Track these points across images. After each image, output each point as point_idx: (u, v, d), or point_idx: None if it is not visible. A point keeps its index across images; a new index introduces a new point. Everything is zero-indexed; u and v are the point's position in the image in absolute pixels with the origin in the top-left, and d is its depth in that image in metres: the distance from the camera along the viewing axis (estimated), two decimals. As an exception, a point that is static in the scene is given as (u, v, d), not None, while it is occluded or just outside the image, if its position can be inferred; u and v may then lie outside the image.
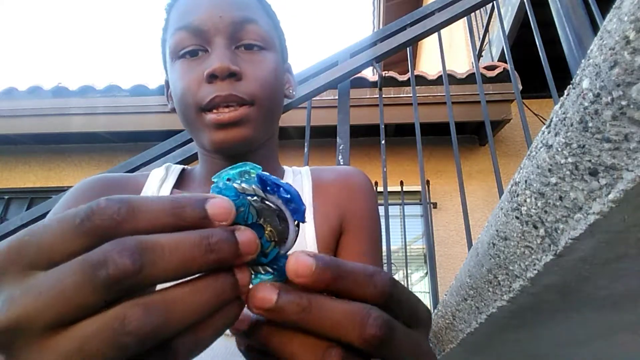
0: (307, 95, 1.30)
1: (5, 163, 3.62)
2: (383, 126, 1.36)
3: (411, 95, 1.49)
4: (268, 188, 0.21)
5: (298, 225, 0.22)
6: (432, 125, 2.88)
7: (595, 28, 1.14)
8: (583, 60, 0.22)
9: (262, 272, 0.22)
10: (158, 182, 0.56)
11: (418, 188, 2.98)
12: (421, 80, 3.01)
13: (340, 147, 1.22)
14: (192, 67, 0.50)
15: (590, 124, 0.21)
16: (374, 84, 3.00)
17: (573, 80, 0.23)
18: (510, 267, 0.33)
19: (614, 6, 0.20)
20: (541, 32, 1.25)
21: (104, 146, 3.52)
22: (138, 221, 0.17)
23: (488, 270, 0.36)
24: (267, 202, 0.21)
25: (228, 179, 0.21)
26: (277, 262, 0.21)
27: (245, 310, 0.20)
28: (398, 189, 2.97)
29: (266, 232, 0.21)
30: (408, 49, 1.40)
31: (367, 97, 2.96)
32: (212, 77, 0.48)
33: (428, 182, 3.11)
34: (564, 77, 0.87)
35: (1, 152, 3.62)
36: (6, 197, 3.46)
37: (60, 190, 3.02)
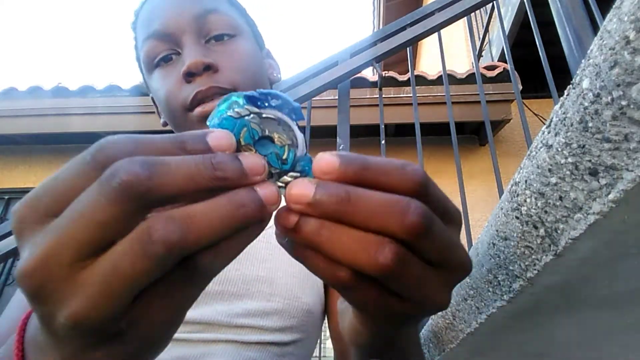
0: (307, 95, 1.30)
1: (5, 163, 3.61)
2: (383, 126, 1.36)
3: (411, 95, 1.49)
4: (259, 103, 0.22)
5: (299, 127, 0.22)
6: (432, 125, 2.87)
7: (595, 28, 1.14)
8: (583, 60, 0.22)
9: (290, 178, 0.21)
10: None
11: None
12: (421, 80, 3.00)
13: (340, 147, 1.22)
14: (169, 72, 0.50)
15: (590, 124, 0.21)
16: (374, 84, 3.00)
17: (573, 80, 0.23)
18: (510, 267, 0.33)
19: (614, 6, 0.20)
20: (541, 32, 1.25)
21: (104, 146, 3.52)
22: (147, 153, 0.18)
23: (488, 270, 0.36)
24: (264, 116, 0.22)
25: (221, 116, 0.22)
26: (300, 166, 0.22)
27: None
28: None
29: (275, 139, 0.22)
30: (408, 49, 1.40)
31: (367, 97, 2.96)
32: (189, 75, 0.47)
33: (428, 182, 3.11)
34: (564, 77, 0.87)
35: (1, 152, 3.62)
36: (6, 197, 3.46)
37: (60, 190, 3.01)
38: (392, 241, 0.18)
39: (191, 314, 0.46)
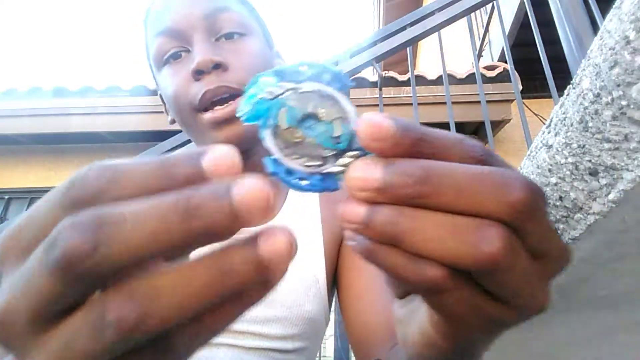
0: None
1: (5, 163, 3.62)
2: (383, 126, 1.36)
3: (411, 95, 1.49)
4: (292, 78, 0.18)
5: (347, 97, 0.19)
6: (432, 125, 2.86)
7: (595, 28, 1.14)
8: (583, 60, 0.22)
9: (350, 159, 0.18)
10: None
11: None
12: (421, 80, 3.00)
13: (340, 147, 1.22)
14: (178, 69, 0.49)
15: (590, 124, 0.21)
16: (374, 84, 3.00)
17: (573, 80, 0.23)
18: (510, 267, 0.33)
19: (614, 6, 0.20)
20: (541, 32, 1.25)
21: (104, 146, 3.52)
22: (122, 188, 0.14)
23: (488, 270, 0.36)
24: (302, 91, 0.18)
25: (252, 101, 0.18)
26: (358, 142, 0.17)
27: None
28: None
29: (321, 115, 0.18)
30: (408, 49, 1.40)
31: (367, 97, 2.96)
32: (198, 73, 0.47)
33: (428, 182, 3.11)
34: (564, 77, 0.87)
35: (1, 152, 3.62)
36: (6, 197, 3.46)
37: (60, 190, 3.02)
38: (497, 224, 0.14)
39: None
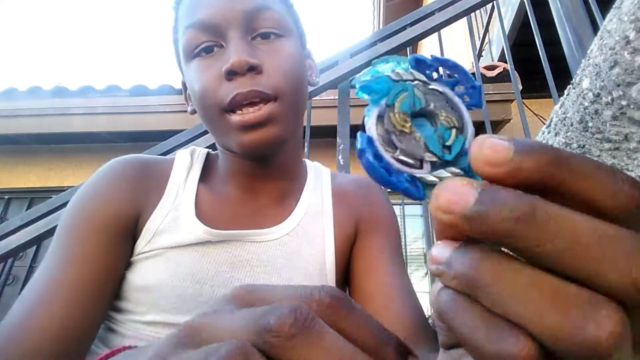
0: (308, 95, 1.30)
1: (5, 163, 3.61)
2: (383, 126, 1.36)
3: (411, 95, 1.48)
4: (428, 72, 0.17)
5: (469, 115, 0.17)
6: (432, 125, 2.88)
7: (595, 28, 1.14)
8: (583, 60, 0.22)
9: (449, 174, 0.16)
10: (185, 171, 0.52)
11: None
12: (421, 80, 3.00)
13: (340, 147, 1.22)
14: (209, 65, 0.47)
15: (590, 124, 0.21)
16: (374, 84, 3.00)
17: (573, 80, 0.23)
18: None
19: (614, 6, 0.20)
20: (541, 32, 1.25)
21: (104, 146, 3.52)
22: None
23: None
24: (431, 87, 0.17)
25: (375, 75, 0.17)
26: (463, 162, 0.16)
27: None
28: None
29: (442, 117, 0.16)
30: (408, 49, 1.40)
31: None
32: (231, 74, 0.45)
33: (428, 182, 3.11)
34: (564, 77, 0.87)
35: (1, 152, 3.62)
36: (6, 197, 3.46)
37: (60, 190, 3.02)
38: (613, 302, 0.11)
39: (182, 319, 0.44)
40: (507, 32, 1.57)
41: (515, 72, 1.36)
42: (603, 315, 0.11)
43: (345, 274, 0.54)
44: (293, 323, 0.14)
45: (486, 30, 3.41)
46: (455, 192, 0.13)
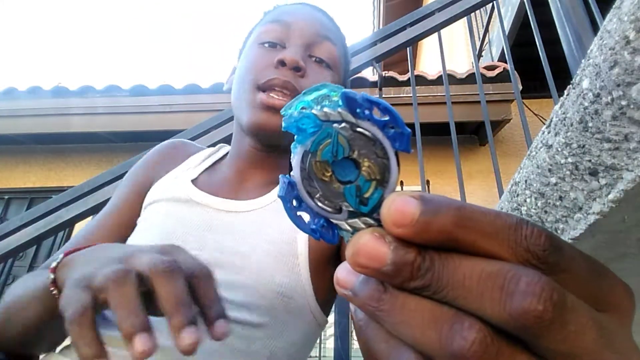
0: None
1: (5, 163, 3.62)
2: (383, 126, 1.36)
3: (411, 95, 1.49)
4: (358, 110, 0.16)
5: (398, 159, 0.16)
6: (432, 125, 2.88)
7: (595, 28, 1.14)
8: (583, 60, 0.22)
9: (363, 225, 0.16)
10: (204, 155, 0.62)
11: (418, 188, 2.98)
12: (421, 80, 3.00)
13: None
14: (266, 53, 0.55)
15: (590, 124, 0.21)
16: (374, 84, 3.00)
17: (573, 80, 0.23)
18: (510, 267, 0.33)
19: (614, 6, 0.20)
20: (541, 32, 1.25)
21: (104, 146, 3.52)
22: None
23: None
24: (358, 129, 0.16)
25: (303, 108, 0.17)
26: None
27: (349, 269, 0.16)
28: (398, 188, 2.96)
29: (363, 168, 0.16)
30: (408, 49, 1.40)
31: (367, 97, 2.96)
32: (281, 64, 0.53)
33: (428, 182, 3.11)
34: (564, 77, 0.87)
35: (1, 152, 3.62)
36: (6, 197, 3.46)
37: (60, 190, 3.03)
38: (477, 320, 0.13)
39: None
40: (507, 32, 1.57)
41: (515, 72, 1.36)
42: (466, 327, 0.13)
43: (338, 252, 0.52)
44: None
45: (486, 30, 3.41)
46: (369, 254, 0.14)
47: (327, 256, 0.51)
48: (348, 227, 0.16)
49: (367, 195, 0.16)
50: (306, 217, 0.17)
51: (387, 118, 0.16)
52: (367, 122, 0.16)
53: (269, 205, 0.52)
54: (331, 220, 0.17)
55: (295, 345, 0.48)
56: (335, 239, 0.17)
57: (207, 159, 0.62)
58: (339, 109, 0.16)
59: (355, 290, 0.16)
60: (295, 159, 0.17)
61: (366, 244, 0.15)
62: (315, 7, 0.63)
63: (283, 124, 0.17)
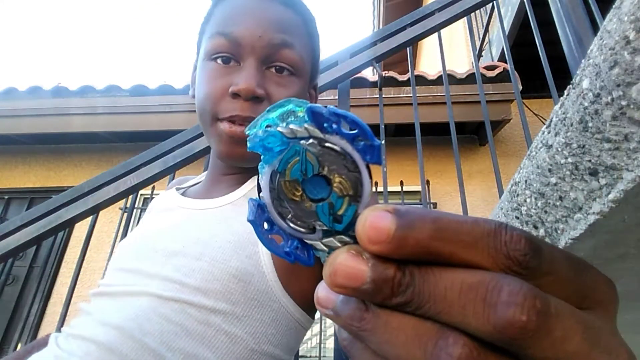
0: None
1: (5, 163, 3.61)
2: (383, 126, 1.36)
3: (411, 95, 1.49)
4: (325, 125, 0.15)
5: (370, 171, 0.16)
6: (432, 125, 2.88)
7: (595, 28, 1.14)
8: (583, 60, 0.22)
9: (338, 244, 0.16)
10: (197, 179, 0.67)
11: (418, 188, 2.98)
12: (421, 80, 3.00)
13: (340, 147, 1.21)
14: (221, 74, 0.52)
15: (590, 124, 0.21)
16: (374, 84, 3.00)
17: (573, 80, 0.23)
18: (510, 267, 0.33)
19: (614, 6, 0.20)
20: (541, 32, 1.25)
21: (104, 146, 3.52)
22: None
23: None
24: (327, 145, 0.15)
25: (268, 126, 0.16)
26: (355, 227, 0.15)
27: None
28: (398, 189, 2.97)
29: (334, 184, 0.15)
30: (408, 49, 1.40)
31: (367, 97, 2.96)
32: (236, 96, 0.50)
33: (428, 182, 3.11)
34: (564, 77, 0.87)
35: (1, 152, 3.62)
36: (6, 197, 3.46)
37: (60, 190, 3.03)
38: (461, 335, 0.13)
39: (130, 264, 0.50)
40: (507, 32, 1.57)
41: (515, 72, 1.36)
42: (450, 343, 0.13)
43: None
44: None
45: (486, 30, 3.41)
46: (347, 273, 0.14)
47: None
48: (323, 247, 0.16)
49: (340, 212, 0.16)
50: (279, 239, 0.17)
51: (355, 131, 0.15)
52: (336, 136, 0.15)
53: (237, 201, 0.54)
54: (305, 240, 0.16)
55: (265, 336, 0.46)
56: (311, 260, 0.16)
57: (200, 178, 0.66)
58: (306, 125, 0.15)
59: (336, 310, 0.15)
60: (264, 180, 0.16)
61: (343, 262, 0.14)
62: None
63: (248, 144, 0.16)
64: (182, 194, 0.61)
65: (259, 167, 0.17)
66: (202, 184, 0.64)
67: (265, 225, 0.16)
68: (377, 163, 0.16)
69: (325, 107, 0.16)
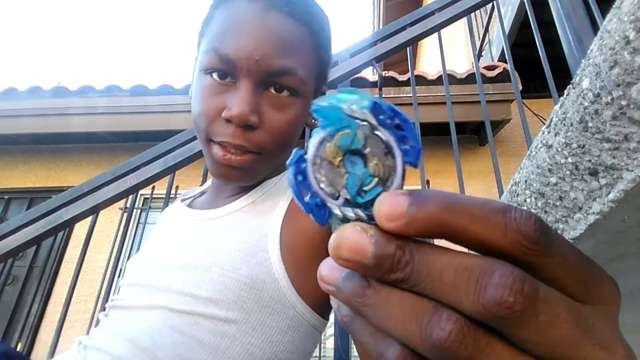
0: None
1: (5, 163, 3.61)
2: (383, 126, 1.36)
3: (411, 95, 1.49)
4: (382, 117, 0.17)
5: (404, 169, 0.17)
6: (432, 125, 2.88)
7: (595, 28, 1.14)
8: (583, 60, 0.22)
9: (353, 215, 0.17)
10: (201, 189, 0.68)
11: (418, 188, 2.97)
12: (421, 80, 3.00)
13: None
14: (216, 92, 0.49)
15: (590, 124, 0.21)
16: (374, 84, 3.00)
17: (573, 80, 0.23)
18: (510, 267, 0.33)
19: (614, 6, 0.20)
20: (541, 32, 1.25)
21: (104, 146, 3.52)
22: None
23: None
24: (377, 133, 0.17)
25: (331, 103, 0.18)
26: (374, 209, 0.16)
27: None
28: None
29: (371, 163, 0.17)
30: (408, 49, 1.40)
31: (367, 97, 2.96)
32: (229, 121, 0.48)
33: (428, 182, 3.11)
34: (564, 77, 0.87)
35: (1, 152, 3.62)
36: (6, 197, 3.46)
37: (60, 190, 3.02)
38: (454, 312, 0.14)
39: (141, 279, 0.51)
40: (507, 32, 1.57)
41: (515, 72, 1.36)
42: (444, 319, 0.14)
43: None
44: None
45: (486, 30, 3.41)
46: (352, 247, 0.15)
47: (307, 252, 0.48)
48: (339, 213, 0.17)
49: (366, 188, 0.17)
50: (305, 194, 0.18)
51: (404, 132, 0.17)
52: (387, 130, 0.17)
53: (244, 208, 0.54)
54: (326, 202, 0.18)
55: (282, 345, 0.45)
56: (323, 220, 0.18)
57: (204, 187, 0.67)
58: (365, 111, 0.17)
59: (338, 286, 0.16)
60: (313, 140, 0.18)
61: (349, 237, 0.15)
62: (267, 8, 0.48)
63: (312, 107, 0.18)
64: (189, 205, 0.62)
65: (313, 130, 0.18)
66: (207, 193, 0.64)
67: (299, 176, 0.18)
68: (413, 165, 0.17)
69: (387, 102, 0.18)
